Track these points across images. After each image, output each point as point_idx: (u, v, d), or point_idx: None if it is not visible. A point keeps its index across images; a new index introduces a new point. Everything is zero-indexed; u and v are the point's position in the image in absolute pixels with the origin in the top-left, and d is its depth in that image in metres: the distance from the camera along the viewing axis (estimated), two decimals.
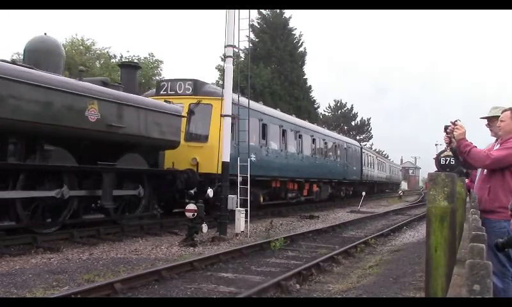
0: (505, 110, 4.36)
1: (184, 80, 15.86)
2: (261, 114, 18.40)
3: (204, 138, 15.39)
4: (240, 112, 14.30)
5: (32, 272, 7.81)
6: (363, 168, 36.70)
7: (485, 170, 4.37)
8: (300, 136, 22.15)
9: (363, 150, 38.63)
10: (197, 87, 15.72)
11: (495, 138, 5.05)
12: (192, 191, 13.72)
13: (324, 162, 26.46)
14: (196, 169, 14.60)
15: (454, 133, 4.38)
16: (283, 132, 20.72)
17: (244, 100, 14.48)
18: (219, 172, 13.56)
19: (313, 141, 24.77)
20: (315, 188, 24.82)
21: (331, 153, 28.01)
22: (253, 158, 15.87)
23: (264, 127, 18.73)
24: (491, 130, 5.18)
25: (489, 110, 5.27)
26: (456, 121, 4.50)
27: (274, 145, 19.66)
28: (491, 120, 5.09)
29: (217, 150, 13.72)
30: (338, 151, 29.64)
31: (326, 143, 27.08)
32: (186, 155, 14.69)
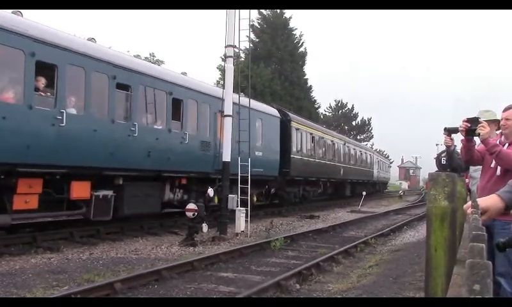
0: (510, 107, 4.22)
1: None
2: None
3: None
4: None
5: (32, 271, 7.82)
6: (294, 156, 21.37)
7: (498, 170, 4.29)
8: (53, 68, 10.02)
9: (294, 124, 21.97)
10: None
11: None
12: None
13: (134, 139, 11.89)
14: None
15: (479, 131, 4.23)
16: None
17: None
18: None
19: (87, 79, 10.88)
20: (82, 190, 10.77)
21: (162, 119, 13.21)
22: None
23: None
24: None
25: (480, 114, 5.22)
26: (479, 118, 4.38)
27: None
28: (487, 123, 5.06)
29: None
30: (189, 115, 14.30)
31: (145, 94, 12.52)
32: None
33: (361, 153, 38.09)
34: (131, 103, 11.97)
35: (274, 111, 20.54)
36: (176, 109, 13.78)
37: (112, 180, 11.62)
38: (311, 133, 24.39)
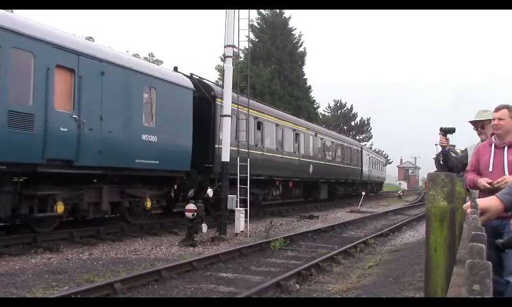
0: (502, 107, 4.19)
1: None
2: None
3: None
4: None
5: (32, 272, 7.82)
6: (220, 146, 13.86)
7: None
8: None
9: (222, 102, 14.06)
10: None
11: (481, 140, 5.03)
12: None
13: None
14: None
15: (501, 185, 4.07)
16: None
17: None
18: None
19: None
20: None
21: None
22: None
23: None
24: (482, 133, 5.15)
25: (479, 114, 5.22)
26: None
27: None
28: (485, 123, 5.06)
29: None
30: None
31: None
32: None
33: (344, 148, 31.50)
34: None
35: (182, 79, 13.96)
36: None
37: None
38: (255, 117, 17.86)
